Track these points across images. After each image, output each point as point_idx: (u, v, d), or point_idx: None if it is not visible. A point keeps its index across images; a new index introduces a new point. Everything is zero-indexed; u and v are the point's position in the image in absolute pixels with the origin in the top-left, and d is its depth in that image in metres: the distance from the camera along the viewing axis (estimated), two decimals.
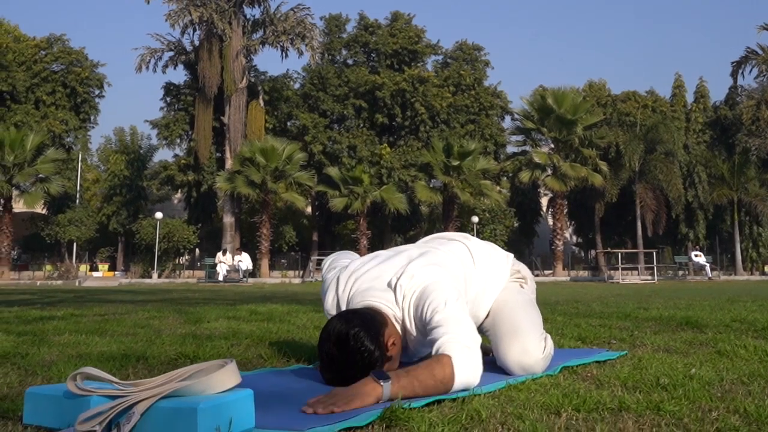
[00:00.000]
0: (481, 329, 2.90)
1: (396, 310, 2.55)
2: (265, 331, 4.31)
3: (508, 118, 44.78)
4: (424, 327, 2.45)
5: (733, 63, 46.56)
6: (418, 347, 2.64)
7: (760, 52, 45.27)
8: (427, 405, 2.06)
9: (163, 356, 3.07)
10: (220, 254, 31.79)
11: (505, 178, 42.19)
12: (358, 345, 2.32)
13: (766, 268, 45.21)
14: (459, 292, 2.57)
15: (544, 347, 2.70)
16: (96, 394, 1.79)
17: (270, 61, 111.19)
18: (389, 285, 2.60)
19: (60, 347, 3.43)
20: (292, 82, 43.92)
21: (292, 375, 2.69)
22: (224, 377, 1.82)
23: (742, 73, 46.70)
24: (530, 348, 2.63)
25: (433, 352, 2.35)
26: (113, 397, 1.77)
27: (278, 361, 3.07)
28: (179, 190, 42.96)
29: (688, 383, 2.31)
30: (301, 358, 3.11)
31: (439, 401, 2.11)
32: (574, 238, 52.32)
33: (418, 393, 2.15)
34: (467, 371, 2.27)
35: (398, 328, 2.54)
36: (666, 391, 2.23)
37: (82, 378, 1.82)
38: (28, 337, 3.90)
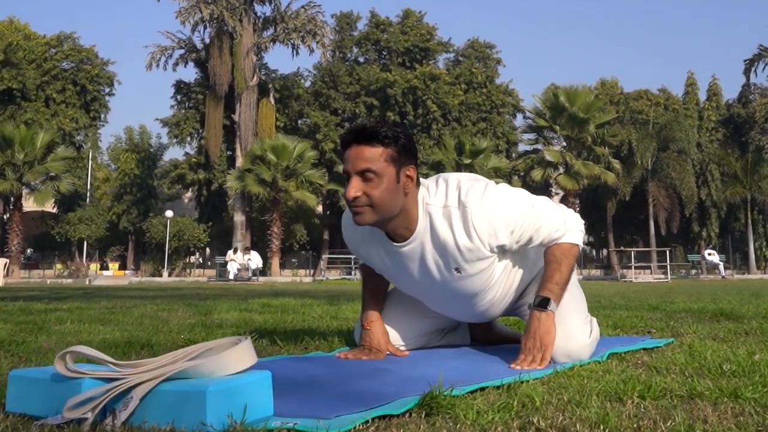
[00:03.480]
0: (518, 310, 2.67)
1: (428, 195, 2.43)
2: (279, 321, 4.08)
3: (520, 116, 44.54)
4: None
5: (745, 61, 46.16)
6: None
7: None
8: (471, 392, 1.81)
9: (170, 343, 2.83)
10: (230, 252, 31.56)
11: (516, 177, 41.75)
12: (389, 125, 2.35)
13: None
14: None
15: (590, 331, 2.46)
16: (88, 376, 1.54)
17: (281, 59, 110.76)
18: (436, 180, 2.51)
19: (59, 335, 3.20)
20: (302, 80, 43.70)
21: (312, 362, 2.44)
22: (238, 356, 1.57)
23: (755, 71, 46.25)
24: (575, 332, 2.39)
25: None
26: (108, 380, 1.52)
27: (295, 348, 2.82)
28: (190, 189, 42.78)
29: (759, 369, 2.06)
30: (319, 346, 2.87)
31: (482, 388, 1.86)
32: (586, 236, 51.95)
33: (566, 284, 2.45)
34: (578, 235, 2.53)
35: (419, 209, 2.40)
36: (736, 377, 1.97)
37: (72, 358, 1.57)
38: (27, 325, 3.67)
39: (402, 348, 2.69)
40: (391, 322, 2.69)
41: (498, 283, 2.55)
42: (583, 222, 2.55)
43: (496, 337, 2.99)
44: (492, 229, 2.33)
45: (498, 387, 1.88)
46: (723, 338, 3.10)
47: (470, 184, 2.37)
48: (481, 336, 2.98)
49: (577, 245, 2.49)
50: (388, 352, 2.60)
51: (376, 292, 2.72)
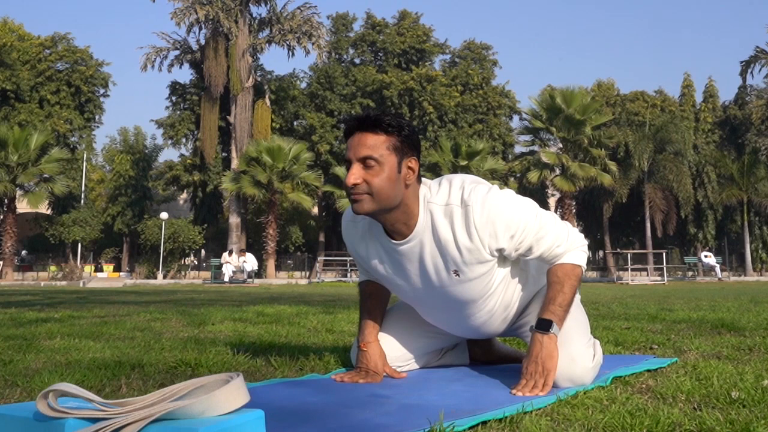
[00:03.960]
0: (519, 330, 2.60)
1: (430, 193, 2.38)
2: (274, 335, 4.00)
3: (516, 117, 44.54)
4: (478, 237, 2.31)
5: (742, 62, 46.17)
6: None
7: None
8: (472, 427, 1.74)
9: (161, 364, 2.76)
10: (225, 255, 31.49)
11: (513, 179, 41.80)
12: (394, 115, 2.33)
13: None
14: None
15: (593, 355, 2.38)
16: (72, 416, 1.46)
17: (276, 60, 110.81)
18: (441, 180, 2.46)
19: (49, 353, 3.12)
20: (298, 82, 43.67)
21: (306, 387, 2.36)
22: (229, 395, 1.50)
23: (751, 72, 46.27)
24: (578, 356, 2.31)
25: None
26: (93, 420, 1.45)
27: (290, 369, 2.75)
28: (185, 191, 42.74)
29: None
30: (315, 367, 2.80)
31: (484, 422, 1.79)
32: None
33: (569, 306, 2.37)
34: (581, 255, 2.44)
35: (420, 206, 2.36)
36: (745, 407, 1.91)
37: (55, 396, 1.50)
38: (16, 341, 3.59)
39: (399, 369, 2.63)
40: (389, 342, 2.62)
41: (497, 294, 2.48)
42: (586, 243, 2.48)
43: (496, 356, 2.92)
44: (492, 230, 2.28)
45: (500, 420, 1.81)
46: (727, 356, 3.04)
47: (474, 186, 2.33)
48: (480, 355, 2.91)
49: (580, 266, 2.42)
50: (385, 374, 2.54)
51: (374, 311, 2.66)
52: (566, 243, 2.40)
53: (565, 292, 2.34)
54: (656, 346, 3.45)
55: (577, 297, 2.51)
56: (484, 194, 2.29)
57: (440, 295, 2.46)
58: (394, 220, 2.34)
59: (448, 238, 2.30)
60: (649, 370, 2.63)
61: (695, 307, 7.37)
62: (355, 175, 2.25)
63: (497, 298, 2.49)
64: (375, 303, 2.67)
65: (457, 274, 2.37)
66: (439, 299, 2.49)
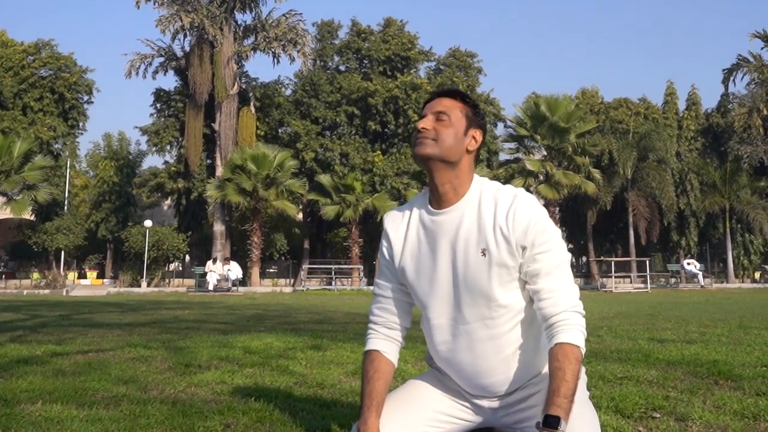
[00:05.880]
0: (521, 424, 2.49)
1: (483, 180, 2.54)
2: (263, 393, 3.89)
3: (500, 125, 44.62)
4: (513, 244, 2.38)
5: (724, 70, 46.51)
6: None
7: (751, 59, 45.23)
8: None
9: None
10: (210, 263, 31.44)
11: None
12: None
13: (756, 275, 45.16)
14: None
15: None
16: None
17: (261, 68, 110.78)
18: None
19: (30, 430, 2.99)
20: (283, 89, 43.60)
21: None
22: None
23: (734, 80, 46.71)
24: None
25: (544, 326, 2.40)
26: None
27: None
28: (169, 198, 42.56)
29: None
30: None
31: None
32: (566, 244, 52.17)
33: (574, 395, 2.24)
34: (579, 336, 2.35)
35: (473, 183, 2.51)
36: None
37: None
38: None
39: None
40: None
41: (510, 312, 2.43)
42: (585, 328, 2.39)
43: None
44: (525, 226, 2.36)
45: None
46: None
47: (528, 194, 2.45)
48: None
49: (578, 347, 2.31)
50: None
51: (377, 397, 2.54)
52: (569, 301, 2.36)
53: (568, 380, 2.25)
54: (658, 415, 3.36)
55: (587, 393, 2.42)
56: (535, 200, 2.44)
57: (459, 283, 2.46)
58: (445, 180, 2.47)
59: (489, 217, 2.42)
60: None
61: (685, 336, 7.37)
62: (427, 122, 2.48)
63: (510, 315, 2.44)
64: (377, 386, 2.56)
65: (484, 254, 2.39)
66: (456, 290, 2.48)
